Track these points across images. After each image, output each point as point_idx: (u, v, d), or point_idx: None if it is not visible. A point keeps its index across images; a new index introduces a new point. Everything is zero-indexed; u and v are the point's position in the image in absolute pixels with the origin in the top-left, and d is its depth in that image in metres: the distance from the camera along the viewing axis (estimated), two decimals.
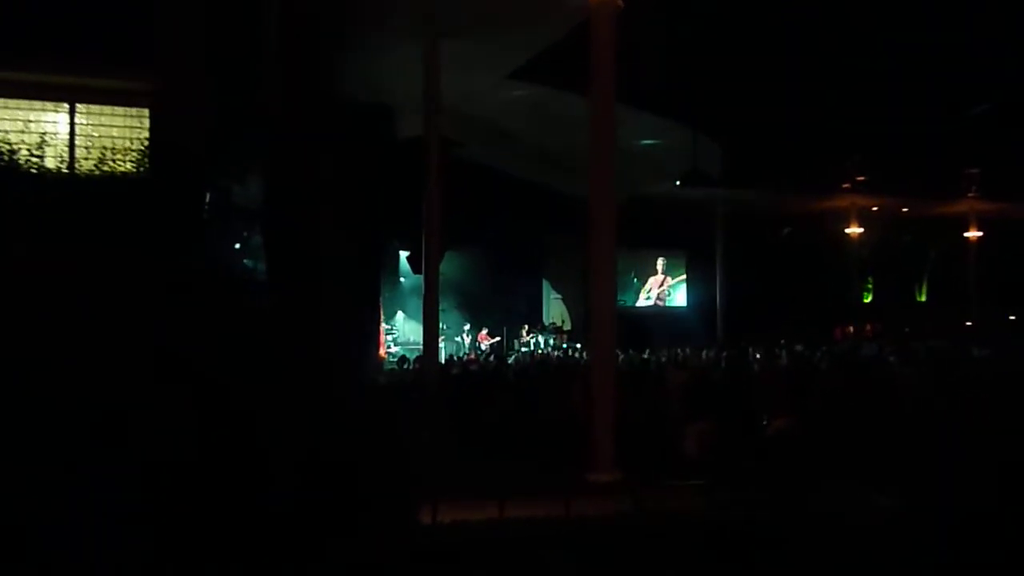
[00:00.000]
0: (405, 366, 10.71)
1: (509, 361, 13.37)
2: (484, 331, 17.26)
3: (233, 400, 1.13)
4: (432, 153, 9.42)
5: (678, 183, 15.65)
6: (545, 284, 20.64)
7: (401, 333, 17.04)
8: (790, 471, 5.05)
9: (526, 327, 17.74)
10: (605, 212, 6.87)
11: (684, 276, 21.08)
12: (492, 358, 13.77)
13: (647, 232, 18.47)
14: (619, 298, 18.58)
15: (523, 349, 17.11)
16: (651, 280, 20.94)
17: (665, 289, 21.00)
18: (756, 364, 10.27)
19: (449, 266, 14.68)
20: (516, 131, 14.61)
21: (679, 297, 21.13)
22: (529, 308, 19.32)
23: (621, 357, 12.07)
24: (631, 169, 14.35)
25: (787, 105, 15.35)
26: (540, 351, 16.66)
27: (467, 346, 16.91)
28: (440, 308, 9.68)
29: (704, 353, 12.88)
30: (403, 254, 15.70)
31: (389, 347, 15.76)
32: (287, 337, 1.35)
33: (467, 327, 17.14)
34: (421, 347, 10.88)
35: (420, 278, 10.10)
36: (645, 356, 12.96)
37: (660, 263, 21.04)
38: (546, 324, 18.80)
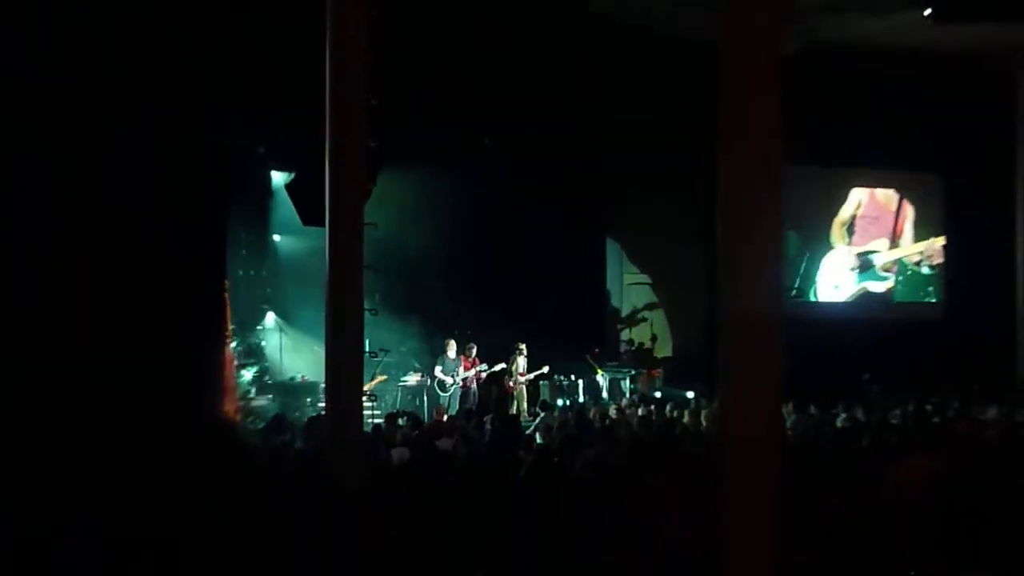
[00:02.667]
0: (283, 437, 10.78)
1: (528, 428, 13.43)
2: (470, 354, 17.61)
3: None
4: None
5: (926, 13, 15.68)
6: (611, 250, 20.80)
7: (274, 361, 17.26)
8: None
9: (523, 347, 17.96)
10: (754, 78, 6.80)
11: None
12: (491, 422, 13.77)
13: (849, 131, 18.46)
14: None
15: (559, 402, 17.25)
16: (853, 220, 21.14)
17: (901, 252, 21.21)
18: None
19: (389, 208, 14.68)
20: None
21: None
22: (576, 309, 19.45)
23: (791, 420, 12.09)
24: None
25: None
26: (604, 405, 16.68)
27: (450, 391, 17.18)
28: (367, 308, 9.67)
29: (988, 412, 12.87)
30: (278, 178, 15.78)
31: (248, 393, 15.80)
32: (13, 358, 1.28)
33: (452, 350, 17.43)
34: (323, 396, 10.90)
35: (320, 235, 10.10)
36: (844, 417, 12.91)
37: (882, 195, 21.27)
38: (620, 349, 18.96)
